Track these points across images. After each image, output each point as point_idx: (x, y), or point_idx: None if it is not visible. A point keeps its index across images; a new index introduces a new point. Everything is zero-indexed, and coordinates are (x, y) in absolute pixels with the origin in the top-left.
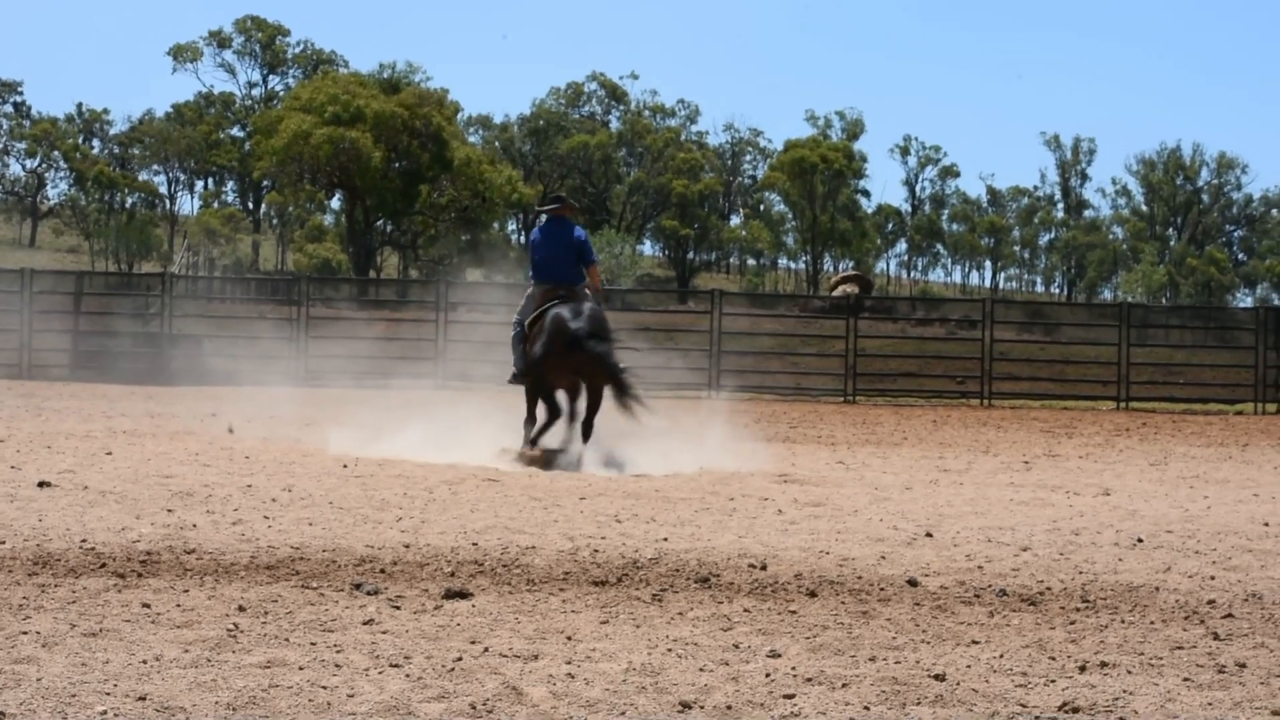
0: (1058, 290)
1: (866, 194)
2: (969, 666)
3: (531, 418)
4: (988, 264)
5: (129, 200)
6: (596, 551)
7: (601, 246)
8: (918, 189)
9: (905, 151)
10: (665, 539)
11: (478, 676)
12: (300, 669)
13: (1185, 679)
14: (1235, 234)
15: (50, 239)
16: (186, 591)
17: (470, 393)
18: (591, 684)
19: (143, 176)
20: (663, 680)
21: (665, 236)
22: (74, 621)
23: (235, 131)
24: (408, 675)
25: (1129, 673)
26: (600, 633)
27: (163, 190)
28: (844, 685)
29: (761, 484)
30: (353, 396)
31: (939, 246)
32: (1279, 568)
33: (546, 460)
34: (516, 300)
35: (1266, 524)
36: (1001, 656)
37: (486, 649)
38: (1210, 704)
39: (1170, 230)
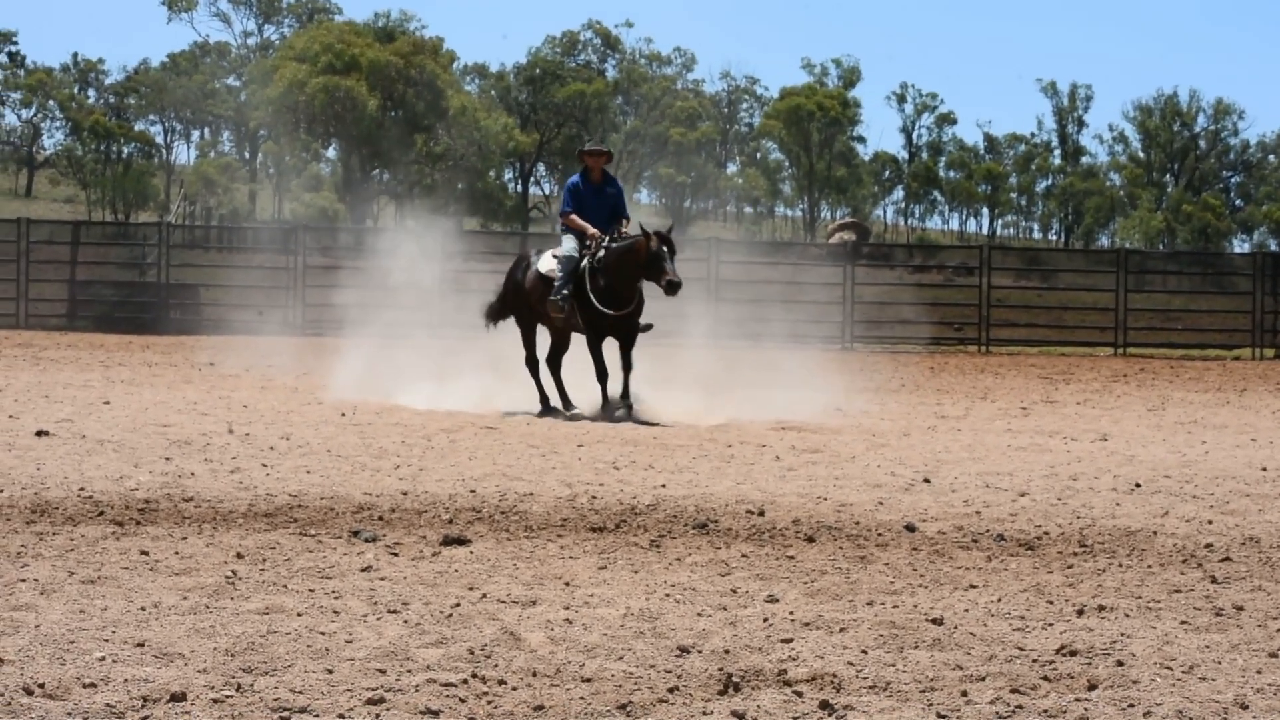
0: (1055, 237)
1: (862, 140)
2: (967, 610)
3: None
4: (985, 211)
5: (125, 150)
6: (594, 498)
7: None
8: (914, 136)
9: (902, 99)
10: (663, 485)
11: (475, 622)
12: (298, 615)
13: (1183, 622)
14: (1232, 180)
15: (46, 189)
16: (185, 539)
17: (467, 341)
18: (589, 629)
19: (139, 126)
20: (660, 625)
21: (662, 185)
22: (72, 569)
23: (231, 81)
24: (405, 621)
25: (1126, 616)
26: (598, 578)
27: (159, 140)
28: (842, 629)
29: (759, 431)
30: (350, 346)
31: (936, 193)
32: (1276, 512)
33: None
34: (513, 251)
35: (1264, 468)
36: (999, 600)
37: (484, 595)
38: (1208, 646)
39: (1167, 176)
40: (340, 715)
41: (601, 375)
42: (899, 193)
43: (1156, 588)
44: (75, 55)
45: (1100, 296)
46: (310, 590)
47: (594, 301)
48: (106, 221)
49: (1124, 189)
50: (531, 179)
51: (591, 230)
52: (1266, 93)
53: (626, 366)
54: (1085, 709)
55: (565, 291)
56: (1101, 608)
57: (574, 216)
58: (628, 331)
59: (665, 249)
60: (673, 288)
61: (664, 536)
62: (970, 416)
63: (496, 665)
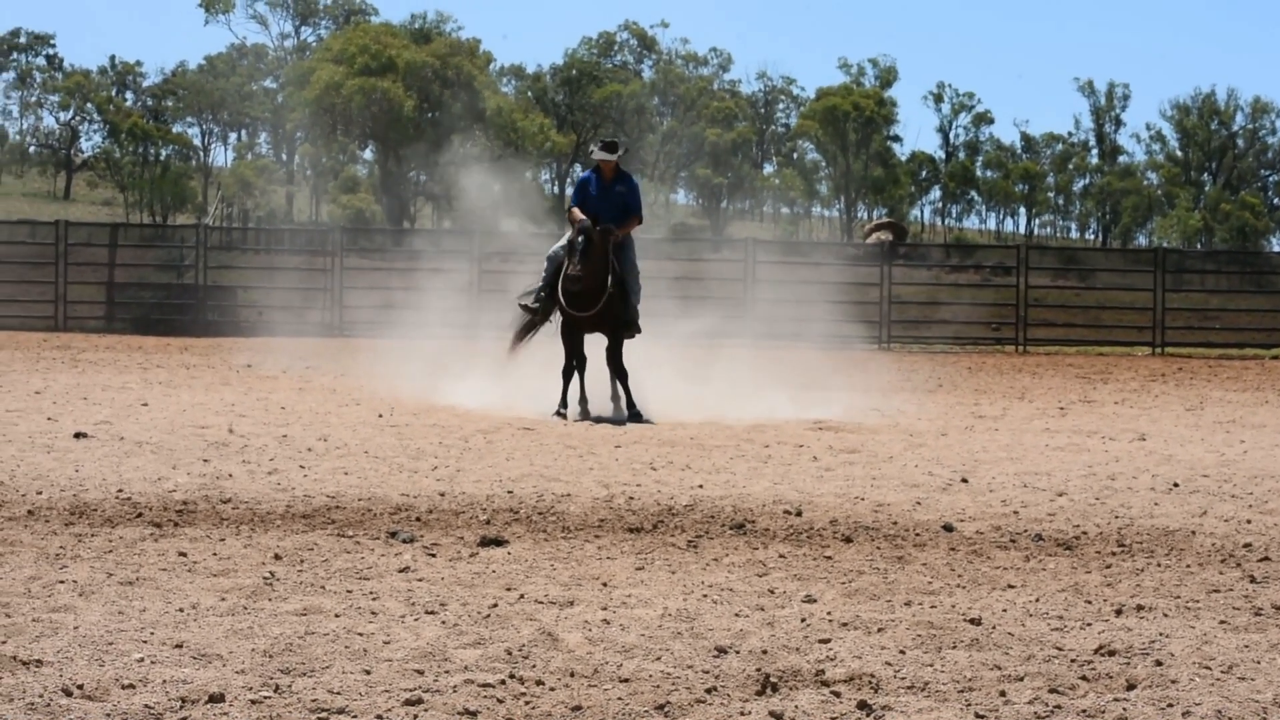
0: (1092, 236)
1: (899, 140)
2: (1005, 610)
3: None
4: (1022, 210)
5: (163, 152)
6: (632, 499)
7: None
8: (951, 136)
9: (939, 98)
10: (700, 486)
11: (513, 623)
12: (336, 616)
13: (1222, 622)
14: (1270, 179)
15: (85, 191)
16: (223, 540)
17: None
18: (627, 629)
19: (176, 129)
20: (698, 625)
21: (699, 185)
22: (111, 570)
23: (268, 83)
24: (443, 622)
25: (1165, 616)
26: (636, 579)
27: (196, 142)
28: (879, 630)
29: (796, 431)
30: (388, 347)
31: (973, 193)
32: None
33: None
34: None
35: None
36: (1037, 600)
37: (522, 596)
38: (1247, 646)
39: (1205, 175)
40: (378, 716)
41: (568, 368)
42: (936, 192)
43: (1195, 587)
44: (113, 58)
45: (1138, 296)
46: (348, 591)
47: (558, 293)
48: (144, 224)
49: (1161, 188)
50: (568, 179)
51: (580, 218)
52: None
53: (619, 374)
54: (1124, 709)
55: (542, 294)
56: (1140, 607)
57: (574, 210)
58: (603, 328)
59: (580, 240)
60: (570, 280)
61: (701, 537)
62: (1008, 416)
63: (534, 666)
